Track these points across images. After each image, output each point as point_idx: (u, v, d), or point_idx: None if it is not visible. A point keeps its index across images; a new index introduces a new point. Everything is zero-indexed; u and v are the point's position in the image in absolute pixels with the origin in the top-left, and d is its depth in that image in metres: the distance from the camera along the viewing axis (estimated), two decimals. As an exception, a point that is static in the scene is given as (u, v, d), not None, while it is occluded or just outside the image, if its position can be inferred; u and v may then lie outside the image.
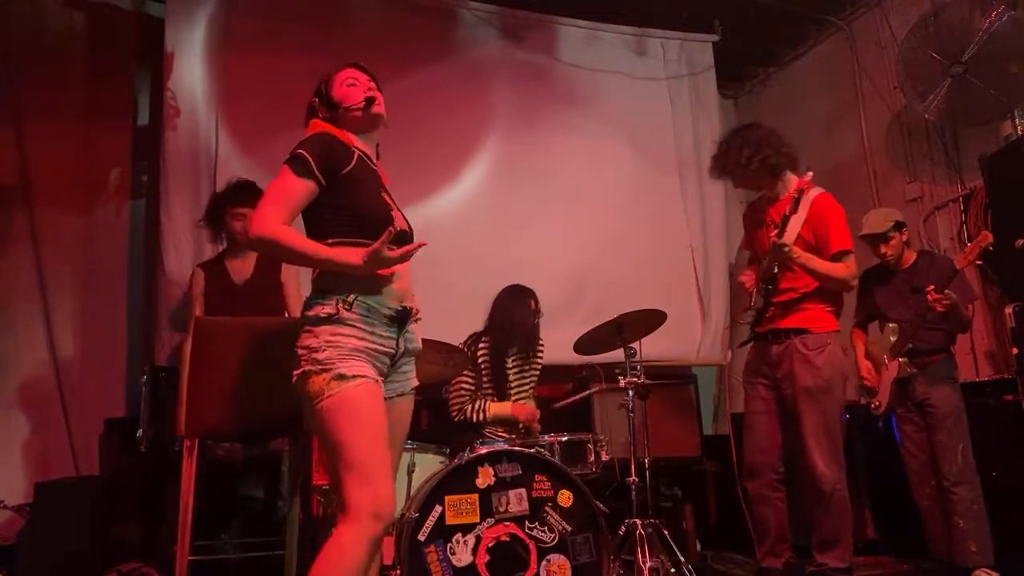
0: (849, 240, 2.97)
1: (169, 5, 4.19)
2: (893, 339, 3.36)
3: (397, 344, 1.94)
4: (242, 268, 3.33)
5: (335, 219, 1.91)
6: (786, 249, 2.88)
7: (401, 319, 1.94)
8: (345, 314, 1.83)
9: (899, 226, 3.45)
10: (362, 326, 1.85)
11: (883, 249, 3.45)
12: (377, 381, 1.84)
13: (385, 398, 1.90)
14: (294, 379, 1.84)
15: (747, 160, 3.05)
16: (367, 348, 1.85)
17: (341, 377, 1.77)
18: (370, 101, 2.03)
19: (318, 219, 1.93)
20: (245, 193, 3.32)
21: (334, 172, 1.91)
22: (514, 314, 3.52)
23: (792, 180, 3.06)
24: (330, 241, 1.90)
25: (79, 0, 4.29)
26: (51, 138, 4.03)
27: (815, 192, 3.00)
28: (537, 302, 3.60)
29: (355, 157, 1.97)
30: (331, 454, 1.78)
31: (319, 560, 1.69)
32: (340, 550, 1.69)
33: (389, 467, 1.80)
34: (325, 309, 1.83)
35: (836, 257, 2.94)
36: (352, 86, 2.05)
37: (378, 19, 4.59)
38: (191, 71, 4.18)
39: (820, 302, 3.00)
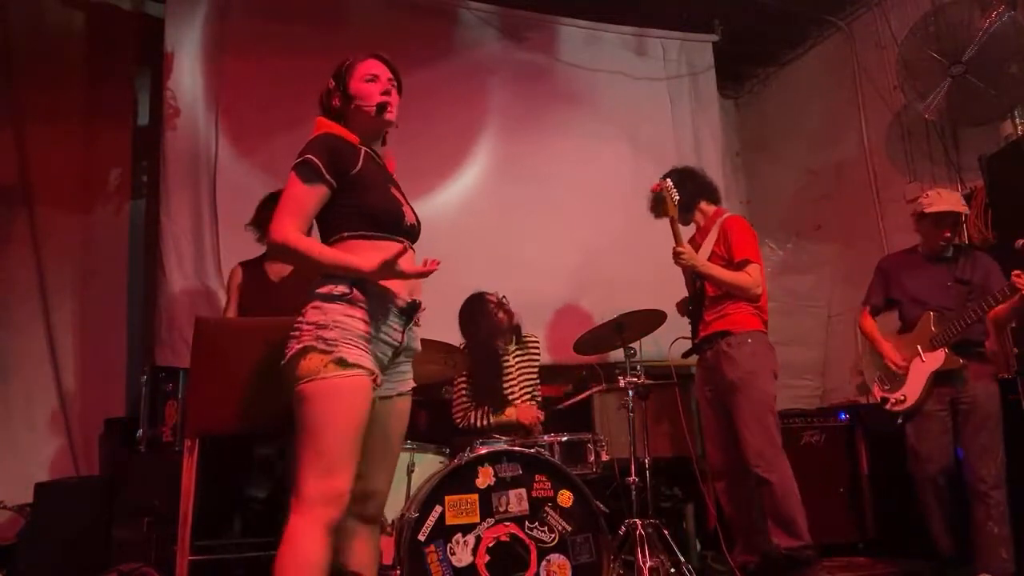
0: (753, 252, 3.20)
1: (169, 5, 4.19)
2: (934, 328, 3.16)
3: (403, 336, 1.93)
4: (281, 268, 3.35)
5: (347, 218, 1.92)
6: (684, 256, 3.15)
7: (409, 311, 1.94)
8: (358, 296, 1.82)
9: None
10: (371, 311, 1.84)
11: (949, 232, 3.23)
12: (373, 374, 1.81)
13: (382, 397, 1.89)
14: (290, 352, 1.81)
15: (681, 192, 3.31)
16: (373, 336, 1.84)
17: (341, 362, 1.75)
18: (381, 108, 2.00)
19: (329, 218, 1.94)
20: None
21: (344, 173, 1.91)
22: (483, 325, 3.51)
23: (708, 209, 3.40)
24: (345, 234, 1.91)
25: (79, 0, 4.29)
26: (51, 138, 4.03)
27: (727, 215, 3.33)
28: (497, 299, 3.57)
29: (362, 155, 1.97)
30: (301, 434, 1.76)
31: (278, 557, 1.67)
32: (297, 542, 1.67)
33: (355, 463, 1.77)
34: (339, 288, 1.82)
35: (739, 265, 3.18)
36: (371, 82, 2.02)
37: (378, 19, 4.60)
38: (191, 71, 4.19)
39: (739, 306, 3.19)
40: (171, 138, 4.05)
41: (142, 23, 4.44)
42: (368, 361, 1.80)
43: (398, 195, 2.03)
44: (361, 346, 1.80)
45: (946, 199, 3.25)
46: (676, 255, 3.17)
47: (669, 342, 3.62)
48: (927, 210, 3.24)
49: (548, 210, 4.71)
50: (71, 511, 3.18)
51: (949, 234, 3.24)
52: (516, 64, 4.94)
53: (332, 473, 1.71)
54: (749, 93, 6.09)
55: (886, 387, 3.29)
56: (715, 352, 3.20)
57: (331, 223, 1.94)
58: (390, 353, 1.91)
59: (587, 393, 3.75)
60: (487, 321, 3.51)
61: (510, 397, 3.52)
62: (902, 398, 3.20)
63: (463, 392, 3.52)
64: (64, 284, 3.98)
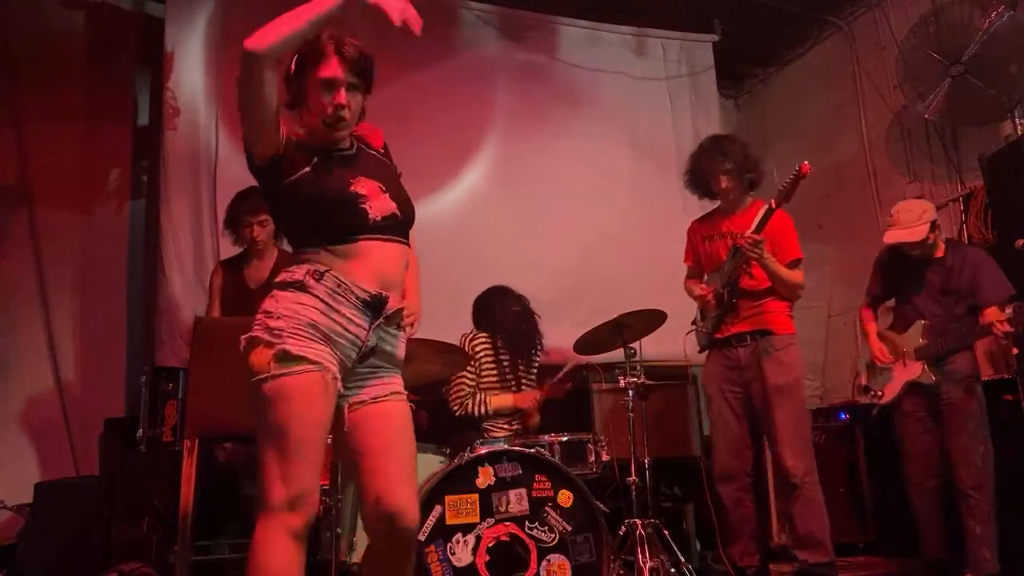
0: (800, 251, 3.16)
1: (169, 5, 4.19)
2: (921, 340, 3.18)
3: (367, 335, 1.74)
4: (258, 273, 3.37)
5: (301, 235, 1.83)
6: (762, 245, 2.98)
7: (375, 306, 1.74)
8: (312, 283, 1.70)
9: (934, 226, 3.18)
10: (327, 300, 1.70)
11: (917, 251, 3.20)
12: (326, 369, 1.65)
13: (353, 403, 1.75)
14: (243, 343, 1.71)
15: (754, 165, 3.23)
16: (328, 326, 1.68)
17: (284, 356, 1.63)
18: (331, 123, 1.86)
19: (288, 234, 1.92)
20: (256, 200, 3.33)
21: (280, 177, 1.84)
22: (505, 314, 3.54)
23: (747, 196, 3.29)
24: (302, 256, 1.79)
25: (79, 0, 4.29)
26: (51, 138, 4.02)
27: (777, 208, 3.12)
28: (523, 301, 3.60)
29: (312, 162, 1.84)
30: (260, 435, 1.66)
31: (248, 569, 1.59)
32: (263, 552, 1.59)
33: (318, 466, 1.67)
34: (294, 275, 1.72)
35: (791, 265, 3.13)
36: (325, 90, 1.89)
37: (378, 19, 4.58)
38: (191, 71, 4.19)
39: (779, 305, 3.14)
40: (171, 138, 4.06)
41: (142, 23, 4.44)
42: (315, 353, 1.65)
43: (368, 183, 1.82)
44: (309, 336, 1.66)
45: (900, 218, 3.20)
46: (756, 243, 2.97)
47: (669, 341, 3.60)
48: (886, 240, 3.25)
49: (548, 210, 4.71)
50: (71, 511, 3.18)
51: (917, 252, 3.21)
52: (516, 64, 4.94)
53: (294, 478, 1.61)
54: (749, 93, 6.09)
55: (871, 378, 3.40)
56: (751, 351, 3.11)
57: (291, 240, 1.89)
58: (353, 355, 1.73)
59: (567, 368, 3.70)
60: (515, 313, 3.57)
61: (517, 385, 3.55)
62: (880, 393, 3.32)
63: (464, 382, 3.52)
64: (64, 284, 3.97)
